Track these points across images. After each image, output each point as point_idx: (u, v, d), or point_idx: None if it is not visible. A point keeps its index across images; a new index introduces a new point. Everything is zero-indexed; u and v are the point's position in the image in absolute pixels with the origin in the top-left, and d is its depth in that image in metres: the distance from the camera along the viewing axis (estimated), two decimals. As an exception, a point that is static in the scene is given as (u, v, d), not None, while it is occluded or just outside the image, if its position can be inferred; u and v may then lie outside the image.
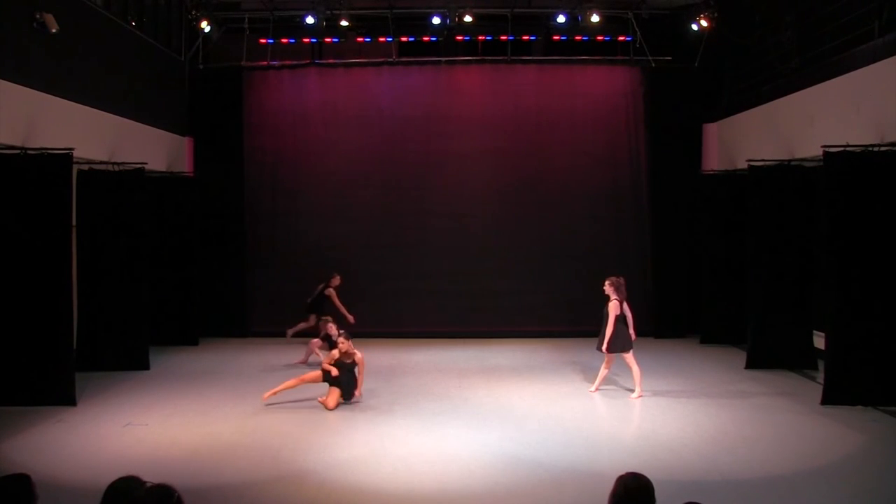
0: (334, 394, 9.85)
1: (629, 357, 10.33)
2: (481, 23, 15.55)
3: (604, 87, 15.87)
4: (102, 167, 11.89)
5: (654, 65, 15.56)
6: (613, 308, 10.19)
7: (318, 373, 10.00)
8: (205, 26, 14.96)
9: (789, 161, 12.04)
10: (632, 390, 10.52)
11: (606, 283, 10.37)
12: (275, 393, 9.93)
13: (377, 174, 15.67)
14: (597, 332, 10.59)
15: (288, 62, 16.03)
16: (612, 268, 14.80)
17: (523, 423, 9.12)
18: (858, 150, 9.69)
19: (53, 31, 10.23)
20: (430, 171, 15.64)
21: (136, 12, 14.25)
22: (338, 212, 15.54)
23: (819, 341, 11.36)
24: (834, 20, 11.58)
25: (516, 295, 13.82)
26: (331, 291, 13.16)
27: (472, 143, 15.61)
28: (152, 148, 13.90)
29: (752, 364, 11.95)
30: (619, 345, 10.27)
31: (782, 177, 11.92)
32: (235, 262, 15.36)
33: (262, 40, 15.98)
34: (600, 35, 15.88)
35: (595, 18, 14.86)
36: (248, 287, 15.38)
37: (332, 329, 11.36)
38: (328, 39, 16.11)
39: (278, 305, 15.08)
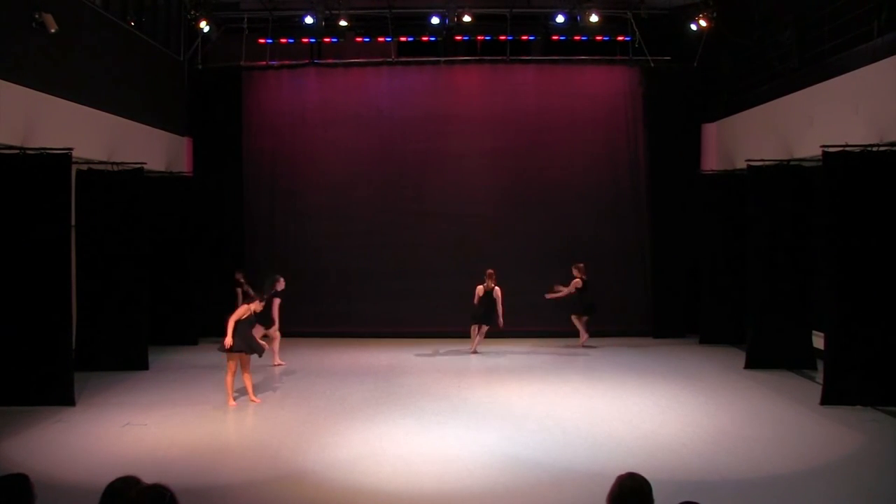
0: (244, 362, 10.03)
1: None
2: (480, 23, 15.55)
3: (603, 86, 15.88)
4: (101, 167, 11.88)
5: (653, 65, 15.56)
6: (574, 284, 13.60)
7: (232, 362, 9.99)
8: (204, 26, 14.95)
9: (788, 161, 12.04)
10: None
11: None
12: (232, 396, 10.04)
13: (376, 174, 15.67)
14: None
15: (287, 62, 16.04)
16: (611, 267, 14.87)
17: (522, 423, 9.12)
18: (857, 150, 9.68)
19: (52, 31, 10.23)
20: (429, 171, 15.64)
21: (135, 12, 14.25)
22: (336, 211, 15.54)
23: (818, 341, 11.36)
24: (833, 20, 11.58)
25: (516, 295, 13.81)
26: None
27: (472, 143, 15.62)
28: (151, 148, 13.90)
29: (751, 364, 11.95)
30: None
31: (781, 177, 11.91)
32: (234, 262, 15.34)
33: (261, 40, 15.98)
34: (599, 35, 15.88)
35: (594, 18, 14.88)
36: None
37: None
38: (327, 39, 16.10)
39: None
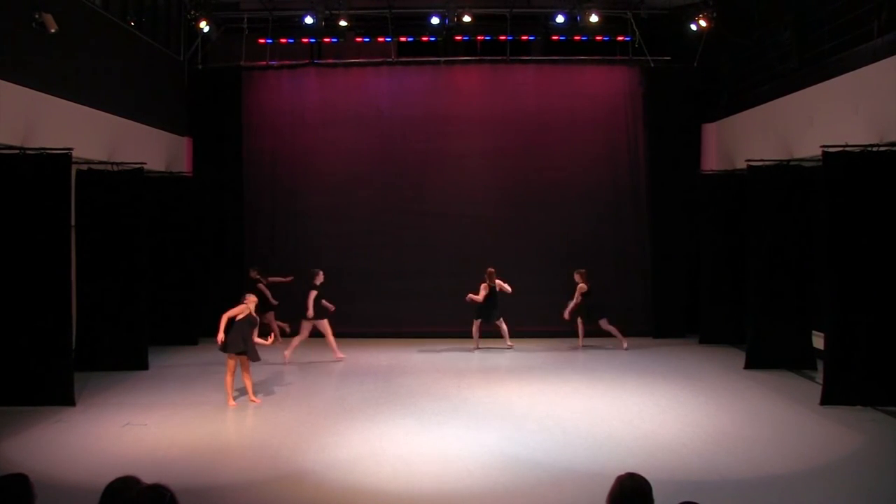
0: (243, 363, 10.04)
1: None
2: (480, 23, 15.54)
3: (603, 87, 15.87)
4: (101, 167, 11.88)
5: (653, 65, 15.56)
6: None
7: (231, 361, 10.00)
8: (204, 26, 14.94)
9: (788, 161, 12.04)
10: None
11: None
12: (231, 396, 10.05)
13: (376, 174, 15.67)
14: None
15: (287, 62, 16.03)
16: (611, 267, 14.83)
17: (522, 423, 9.12)
18: (857, 150, 9.68)
19: (52, 31, 10.22)
20: (429, 171, 15.63)
21: (136, 12, 14.25)
22: (336, 212, 15.54)
23: (818, 341, 11.37)
24: (833, 20, 11.58)
25: (516, 295, 13.84)
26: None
27: (472, 144, 15.61)
28: (151, 148, 13.90)
29: (751, 364, 11.94)
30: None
31: (781, 177, 11.91)
32: (234, 262, 15.36)
33: (261, 40, 15.98)
34: (599, 35, 15.87)
35: (594, 18, 14.87)
36: (247, 286, 15.34)
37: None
38: (327, 39, 16.11)
39: (277, 305, 15.06)
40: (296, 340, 12.78)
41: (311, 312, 12.59)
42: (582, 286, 13.75)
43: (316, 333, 12.90)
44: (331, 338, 12.80)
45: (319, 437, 8.57)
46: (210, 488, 6.95)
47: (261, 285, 13.79)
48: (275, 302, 14.00)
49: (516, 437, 8.53)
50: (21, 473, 3.50)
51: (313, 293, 12.61)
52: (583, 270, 13.85)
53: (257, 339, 10.10)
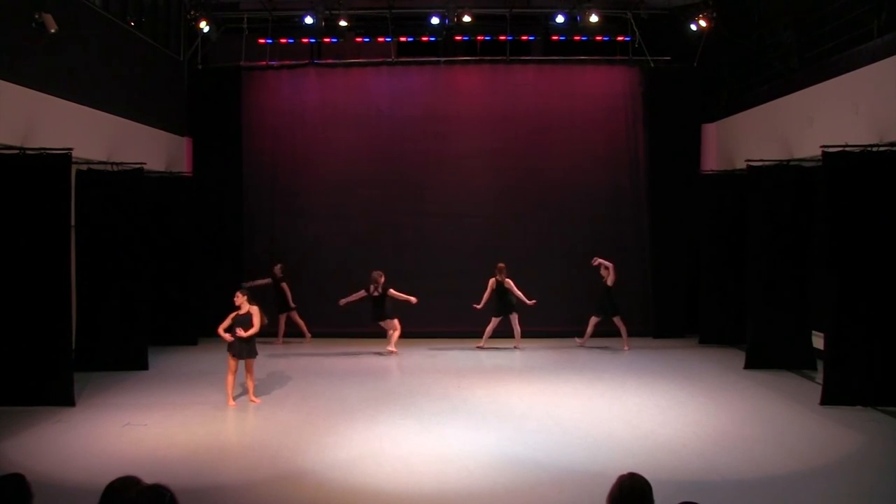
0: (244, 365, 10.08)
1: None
2: (480, 23, 15.54)
3: (603, 87, 15.87)
4: (101, 167, 11.88)
5: (653, 65, 15.56)
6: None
7: (233, 362, 10.00)
8: (203, 26, 14.95)
9: (788, 161, 12.04)
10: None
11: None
12: (231, 396, 10.05)
13: (376, 174, 15.66)
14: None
15: (287, 62, 16.04)
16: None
17: (522, 423, 9.12)
18: (857, 150, 9.69)
19: (52, 31, 10.22)
20: (429, 172, 15.63)
21: (135, 12, 14.25)
22: (336, 212, 15.54)
23: (818, 341, 11.37)
24: (833, 20, 11.59)
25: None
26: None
27: (471, 143, 15.61)
28: (151, 148, 13.90)
29: (750, 364, 11.94)
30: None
31: (781, 177, 11.91)
32: (234, 262, 15.35)
33: (261, 40, 15.99)
34: (599, 35, 15.87)
35: (594, 18, 14.86)
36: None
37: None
38: (327, 39, 16.11)
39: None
40: (395, 335, 13.43)
41: (414, 299, 13.22)
42: (612, 277, 13.69)
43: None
44: (397, 334, 13.49)
45: (319, 437, 8.57)
46: (210, 488, 6.95)
47: (283, 284, 13.99)
48: (294, 305, 14.20)
49: (516, 437, 8.53)
50: (18, 473, 3.50)
51: (392, 290, 13.24)
52: (611, 265, 13.77)
53: (255, 329, 9.97)
